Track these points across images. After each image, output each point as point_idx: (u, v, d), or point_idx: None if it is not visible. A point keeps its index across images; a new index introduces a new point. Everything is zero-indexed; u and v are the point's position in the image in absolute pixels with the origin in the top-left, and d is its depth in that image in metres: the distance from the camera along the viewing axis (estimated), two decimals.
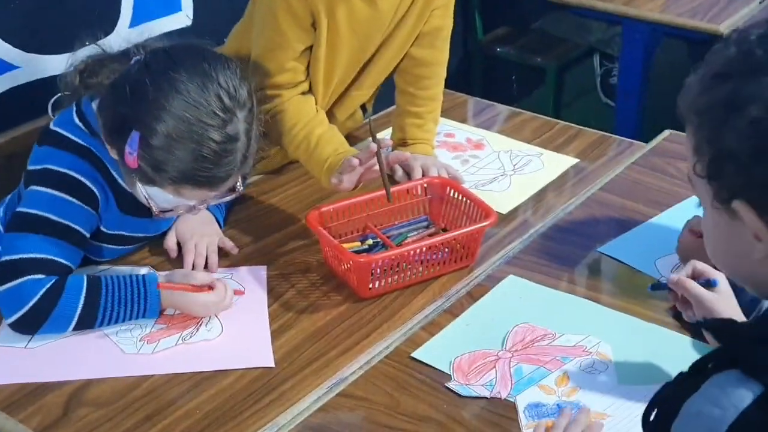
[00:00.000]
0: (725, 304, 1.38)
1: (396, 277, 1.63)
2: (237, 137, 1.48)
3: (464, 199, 1.77)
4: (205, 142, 1.44)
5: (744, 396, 0.86)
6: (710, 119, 0.90)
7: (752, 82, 0.87)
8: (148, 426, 1.36)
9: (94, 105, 1.56)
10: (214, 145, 1.45)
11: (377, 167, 1.73)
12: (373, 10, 1.84)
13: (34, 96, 2.09)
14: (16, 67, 2.09)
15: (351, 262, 1.61)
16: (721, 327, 0.97)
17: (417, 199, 1.81)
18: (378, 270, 1.60)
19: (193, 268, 1.67)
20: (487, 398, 1.40)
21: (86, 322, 1.50)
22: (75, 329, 1.50)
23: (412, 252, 1.64)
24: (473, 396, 1.41)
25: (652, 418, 0.96)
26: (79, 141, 1.55)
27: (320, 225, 1.68)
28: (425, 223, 1.80)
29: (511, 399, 1.40)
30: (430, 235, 1.75)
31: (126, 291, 1.52)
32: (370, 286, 1.61)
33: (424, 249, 1.65)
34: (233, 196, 1.63)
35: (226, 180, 1.51)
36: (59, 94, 1.63)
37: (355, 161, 1.71)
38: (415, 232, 1.77)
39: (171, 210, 1.57)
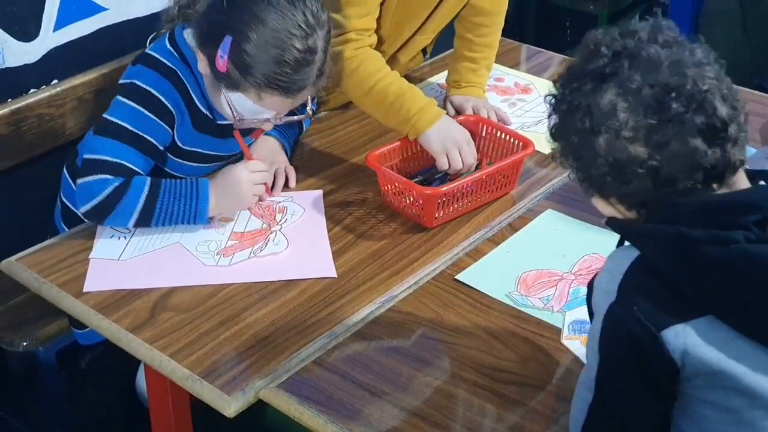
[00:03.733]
0: None
1: (456, 205, 1.80)
2: (315, 50, 1.67)
3: (499, 133, 1.94)
4: (288, 49, 1.63)
5: (625, 260, 1.15)
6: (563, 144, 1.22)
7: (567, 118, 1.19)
8: (222, 330, 1.55)
9: (186, 32, 1.75)
10: (296, 52, 1.64)
11: None
12: None
13: (120, 36, 2.26)
14: (105, 9, 2.23)
15: (421, 195, 1.76)
16: (614, 222, 1.22)
17: None
18: (442, 201, 1.77)
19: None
20: (539, 309, 1.59)
21: (144, 220, 1.71)
22: (135, 225, 1.72)
23: (469, 183, 1.80)
24: (527, 306, 1.59)
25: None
26: (168, 63, 1.75)
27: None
28: None
29: (560, 313, 1.58)
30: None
31: (181, 192, 1.72)
32: (437, 215, 1.78)
33: (483, 178, 1.82)
34: (305, 117, 1.83)
35: (302, 90, 1.69)
36: (156, 32, 1.82)
37: None
38: None
39: (248, 120, 1.74)
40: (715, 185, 1.13)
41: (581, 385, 1.21)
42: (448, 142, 1.86)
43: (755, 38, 3.12)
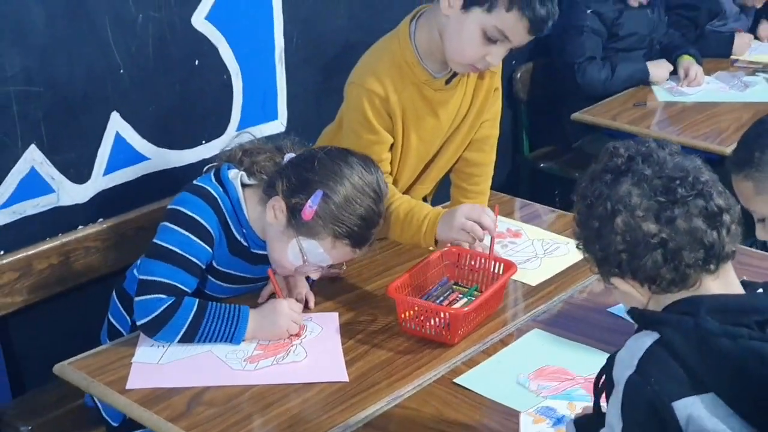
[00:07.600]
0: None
1: (469, 321, 2.04)
2: (382, 215, 1.99)
3: (479, 258, 2.21)
4: (368, 208, 1.94)
5: (646, 340, 1.35)
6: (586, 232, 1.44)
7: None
8: (248, 422, 1.77)
9: (231, 173, 2.05)
10: (372, 212, 1.95)
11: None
12: (436, 121, 2.32)
13: (160, 182, 2.56)
14: (148, 158, 2.54)
15: (448, 314, 2.00)
16: (636, 311, 1.43)
17: (438, 267, 2.23)
18: (464, 318, 2.01)
19: None
20: (530, 390, 1.84)
21: (190, 336, 1.95)
22: (181, 341, 1.95)
23: (482, 300, 2.05)
24: (524, 387, 1.86)
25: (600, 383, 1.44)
26: (212, 191, 2.02)
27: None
28: (449, 284, 2.25)
29: (542, 397, 1.82)
30: (461, 293, 2.21)
31: (224, 315, 1.97)
32: (460, 331, 2.01)
33: (491, 294, 2.09)
34: (340, 272, 2.10)
35: (366, 245, 1.99)
36: (213, 164, 2.12)
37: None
38: (449, 291, 2.23)
39: (312, 265, 2.00)
40: (712, 266, 1.35)
41: None
42: (455, 225, 2.13)
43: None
